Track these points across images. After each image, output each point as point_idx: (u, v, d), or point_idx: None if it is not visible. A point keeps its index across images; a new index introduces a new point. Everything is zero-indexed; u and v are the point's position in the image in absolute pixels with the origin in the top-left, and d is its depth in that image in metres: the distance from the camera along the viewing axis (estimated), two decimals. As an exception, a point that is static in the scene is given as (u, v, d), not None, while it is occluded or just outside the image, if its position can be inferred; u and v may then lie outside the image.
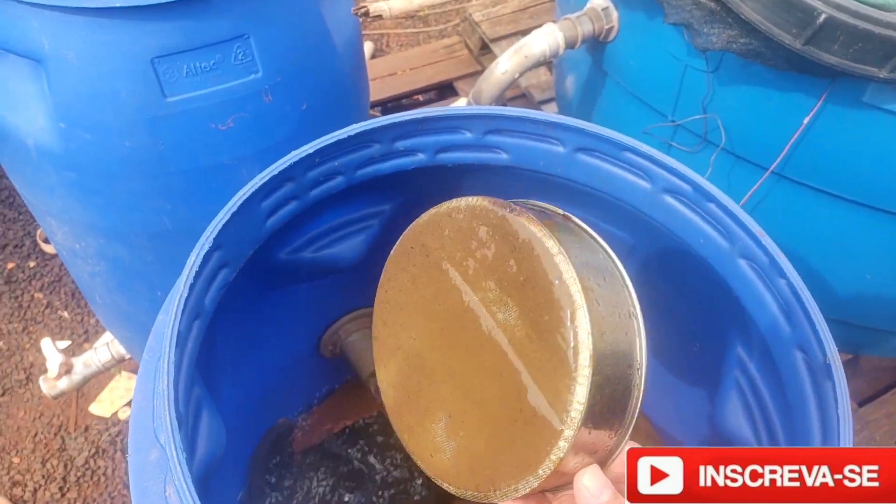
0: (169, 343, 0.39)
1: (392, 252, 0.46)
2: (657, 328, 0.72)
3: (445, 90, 1.91)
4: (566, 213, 0.43)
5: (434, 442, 0.41)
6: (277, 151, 0.84)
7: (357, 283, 0.72)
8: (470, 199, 0.41)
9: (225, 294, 0.48)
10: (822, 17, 0.74)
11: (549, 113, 0.53)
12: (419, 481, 0.85)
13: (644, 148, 0.52)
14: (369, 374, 0.80)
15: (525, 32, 1.84)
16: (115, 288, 0.97)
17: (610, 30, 1.09)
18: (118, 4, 0.67)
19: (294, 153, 0.49)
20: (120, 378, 1.54)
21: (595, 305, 0.36)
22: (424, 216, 0.44)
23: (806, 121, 0.91)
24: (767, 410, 0.53)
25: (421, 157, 0.56)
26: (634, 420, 0.39)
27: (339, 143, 0.49)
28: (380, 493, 0.86)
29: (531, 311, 0.37)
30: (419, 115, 0.52)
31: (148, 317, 1.03)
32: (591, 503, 0.37)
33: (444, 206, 0.43)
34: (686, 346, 0.67)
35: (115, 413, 1.49)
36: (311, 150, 0.48)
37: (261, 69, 0.77)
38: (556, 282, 0.36)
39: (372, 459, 0.88)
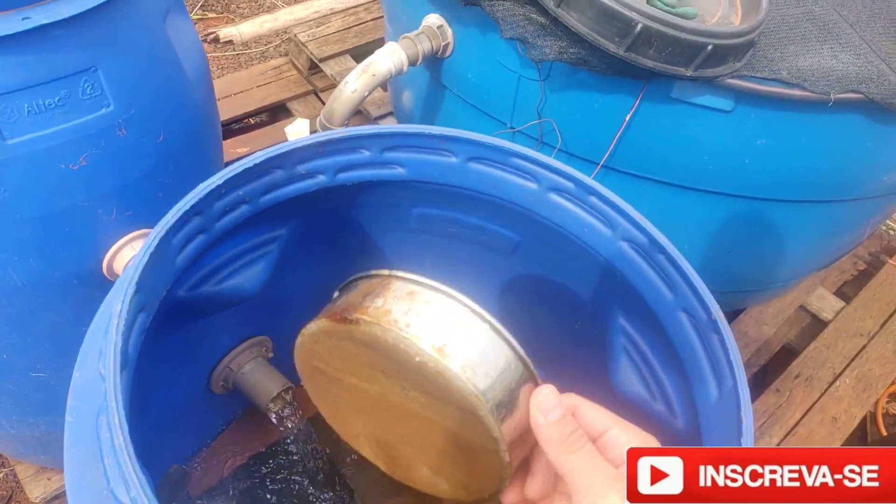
0: (115, 398, 0.37)
1: (300, 375, 0.54)
2: (543, 313, 0.79)
3: (278, 111, 1.89)
4: (391, 272, 0.47)
5: (431, 480, 0.52)
6: (137, 187, 0.80)
7: (251, 313, 0.71)
8: (313, 323, 0.47)
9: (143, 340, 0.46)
10: (639, 26, 0.85)
11: (443, 128, 0.56)
12: (331, 499, 0.84)
13: (530, 153, 0.57)
14: (269, 400, 0.79)
15: (352, 51, 1.87)
16: (-51, 357, 0.86)
17: (446, 46, 1.16)
18: (-56, 41, 0.60)
19: (202, 186, 0.48)
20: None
21: (429, 336, 0.42)
22: (296, 346, 0.50)
23: (627, 118, 1.03)
24: (654, 369, 0.61)
25: (321, 178, 0.57)
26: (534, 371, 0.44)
27: (245, 171, 0.49)
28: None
29: (418, 384, 0.44)
30: (321, 138, 0.53)
31: (-8, 385, 0.92)
32: (539, 420, 0.40)
33: (305, 334, 0.48)
34: (571, 324, 0.73)
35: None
36: (219, 182, 0.48)
37: (112, 102, 0.73)
38: (418, 356, 0.42)
39: (276, 490, 0.86)
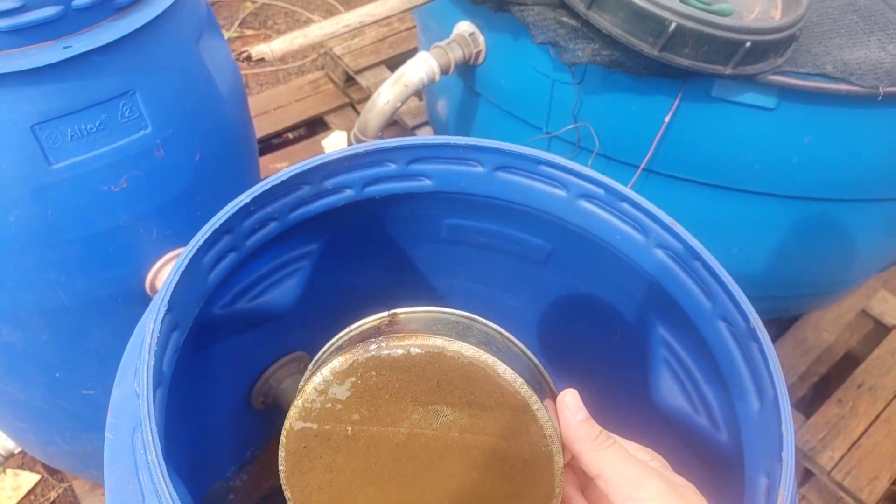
0: (148, 414, 0.37)
1: (283, 465, 0.45)
2: (580, 323, 0.77)
3: (316, 125, 1.91)
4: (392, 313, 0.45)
5: None
6: (176, 206, 0.82)
7: (287, 328, 0.72)
8: (332, 364, 0.42)
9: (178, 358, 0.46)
10: (673, 25, 0.83)
11: (467, 137, 0.56)
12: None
13: (558, 160, 0.56)
14: (306, 417, 0.79)
15: (387, 62, 1.89)
16: (5, 375, 0.89)
17: (478, 53, 1.15)
18: (-9, 72, 0.63)
19: (231, 204, 0.48)
20: (4, 477, 1.40)
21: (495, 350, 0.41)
22: (292, 416, 0.43)
23: (667, 119, 1.01)
24: (696, 381, 0.59)
25: (349, 192, 0.57)
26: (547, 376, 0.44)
27: (273, 188, 0.50)
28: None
29: (461, 397, 0.41)
30: (347, 153, 0.53)
31: (45, 402, 0.95)
32: (570, 419, 0.41)
33: (309, 388, 0.42)
34: (608, 335, 0.72)
35: (5, 516, 1.35)
36: (247, 200, 0.48)
37: (150, 124, 0.75)
38: (458, 356, 0.40)
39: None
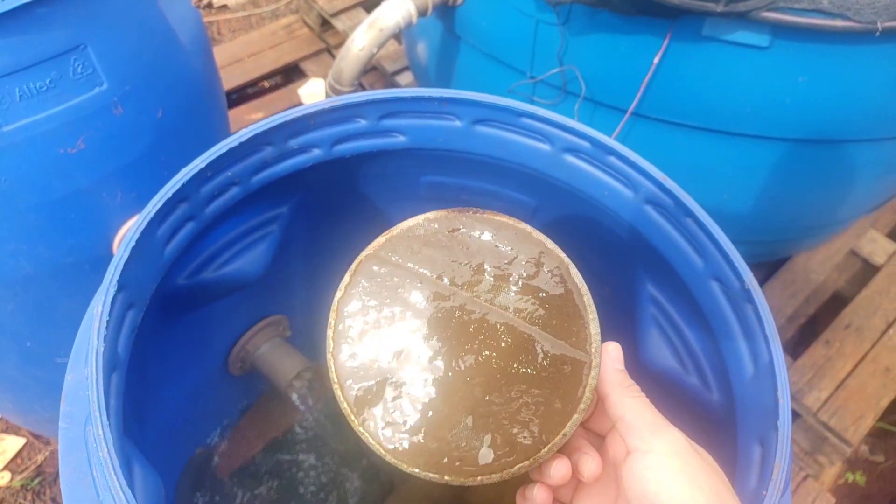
0: (98, 407, 0.34)
1: (341, 294, 0.44)
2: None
3: (292, 73, 1.84)
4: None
5: (461, 448, 0.42)
6: (139, 166, 0.77)
7: (262, 293, 0.69)
8: (426, 214, 0.45)
9: (136, 337, 0.43)
10: (662, -40, 0.78)
11: (443, 89, 0.52)
12: (356, 483, 0.83)
13: (541, 112, 0.52)
14: (287, 382, 0.77)
15: (364, 3, 1.80)
16: (-26, 347, 0.86)
17: (457, -7, 1.09)
18: (-79, 28, 0.57)
19: (184, 170, 0.44)
20: (-19, 443, 1.38)
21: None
22: (377, 243, 0.45)
23: (656, 60, 0.96)
24: (687, 340, 0.56)
25: (317, 152, 0.53)
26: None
27: (230, 151, 0.46)
28: (319, 497, 0.83)
29: (528, 282, 0.43)
30: (311, 110, 0.49)
31: (18, 371, 0.92)
32: (609, 363, 0.43)
33: (397, 229, 0.45)
34: (597, 292, 0.69)
35: (-14, 482, 1.34)
36: (202, 165, 0.44)
37: (105, 80, 0.70)
38: (543, 252, 0.43)
39: (302, 470, 0.85)
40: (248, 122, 1.65)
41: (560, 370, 0.41)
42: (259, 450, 0.85)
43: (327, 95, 1.13)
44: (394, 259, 0.44)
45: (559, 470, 0.42)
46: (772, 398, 0.41)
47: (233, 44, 1.82)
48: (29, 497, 1.34)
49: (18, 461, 1.38)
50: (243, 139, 0.46)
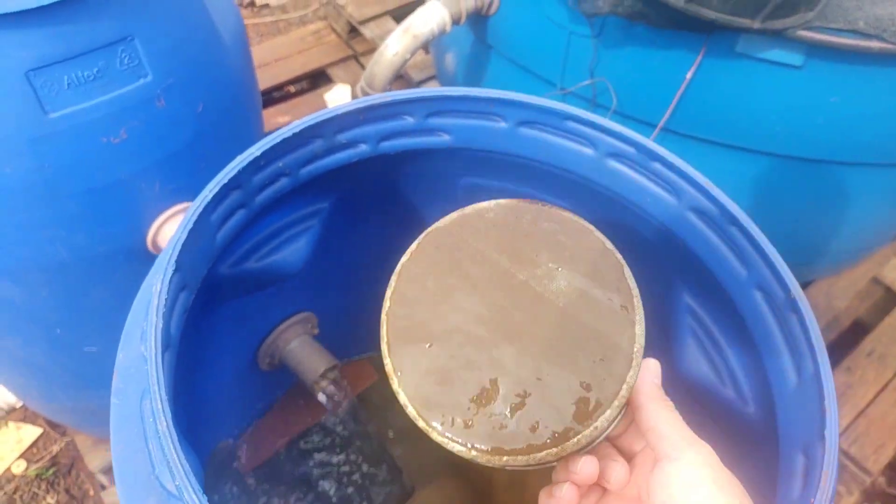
0: (157, 381, 0.35)
1: (406, 259, 0.47)
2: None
3: (318, 78, 1.86)
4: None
5: (494, 423, 0.42)
6: (178, 158, 0.78)
7: (296, 288, 0.69)
8: (499, 200, 0.47)
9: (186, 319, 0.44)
10: (702, -25, 0.78)
11: (490, 90, 0.52)
12: (377, 485, 0.83)
13: (587, 115, 0.53)
14: (315, 379, 0.77)
15: (393, 12, 1.82)
16: (5, 332, 0.87)
17: (491, 3, 1.10)
18: (-19, 14, 0.59)
19: (239, 158, 0.45)
20: (6, 430, 1.39)
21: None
22: (450, 218, 0.48)
23: (688, 75, 0.97)
24: (723, 351, 0.56)
25: (363, 147, 0.53)
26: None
27: (284, 141, 0.46)
28: (340, 497, 0.83)
29: (586, 275, 0.45)
30: (362, 104, 0.50)
31: (46, 358, 0.93)
32: (647, 377, 0.44)
33: (469, 209, 0.48)
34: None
35: (9, 468, 1.35)
36: (257, 153, 0.45)
37: (150, 72, 0.71)
38: (603, 250, 0.46)
39: (323, 469, 0.86)
40: (275, 125, 1.67)
41: (601, 364, 0.42)
42: (282, 446, 0.85)
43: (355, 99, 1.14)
44: (461, 234, 0.47)
45: (587, 467, 0.42)
46: (817, 407, 0.41)
47: (260, 48, 1.84)
48: (43, 486, 1.35)
49: (34, 450, 1.39)
50: (296, 130, 0.47)
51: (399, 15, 1.83)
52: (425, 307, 0.45)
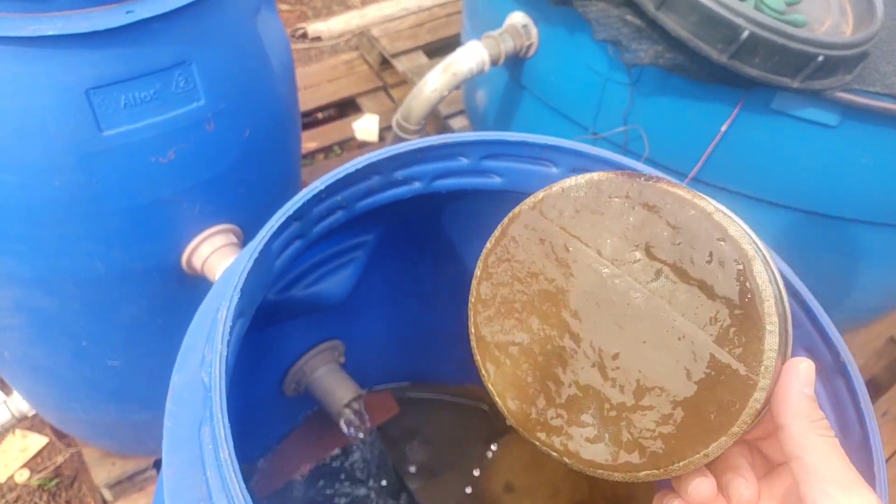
0: (220, 409, 0.35)
1: (490, 246, 0.43)
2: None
3: (347, 106, 1.89)
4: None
5: (586, 433, 0.38)
6: (221, 182, 0.80)
7: (329, 316, 0.70)
8: (590, 174, 0.39)
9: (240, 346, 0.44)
10: (746, 33, 0.80)
11: (546, 136, 0.53)
12: (395, 508, 0.83)
13: (638, 166, 0.53)
14: (339, 408, 0.77)
15: (425, 47, 1.86)
16: (32, 341, 0.87)
17: (530, 46, 1.12)
18: (50, 32, 0.60)
19: (305, 191, 0.46)
20: (13, 437, 1.39)
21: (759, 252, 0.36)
22: (530, 201, 0.42)
23: (723, 128, 0.98)
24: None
25: (417, 185, 0.54)
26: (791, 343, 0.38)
27: (346, 176, 0.47)
28: (354, 529, 0.83)
29: (695, 272, 0.36)
30: (422, 144, 0.51)
31: (69, 369, 0.93)
32: (794, 385, 0.35)
33: (556, 187, 0.40)
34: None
35: (11, 476, 1.34)
36: (321, 187, 0.46)
37: (203, 96, 0.73)
38: (723, 239, 0.36)
39: (342, 497, 0.85)
40: (303, 149, 1.69)
41: (717, 382, 0.35)
42: (300, 473, 0.84)
43: (391, 132, 1.16)
44: (550, 217, 0.40)
45: (699, 489, 0.36)
46: (867, 474, 0.41)
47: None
48: (45, 497, 1.34)
49: (38, 460, 1.38)
50: (359, 166, 0.48)
51: (430, 50, 1.86)
52: (511, 306, 0.41)
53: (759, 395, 0.34)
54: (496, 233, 0.43)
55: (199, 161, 0.76)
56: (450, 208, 0.62)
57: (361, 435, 0.80)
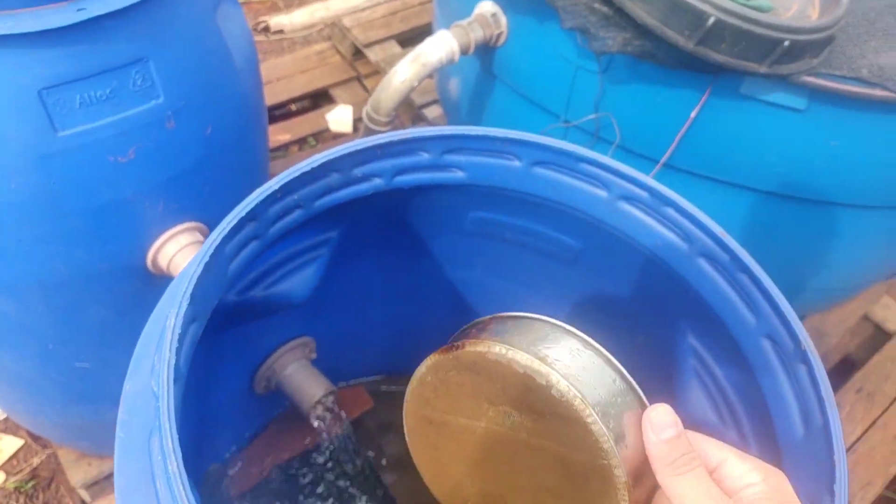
0: (168, 420, 0.34)
1: (406, 433, 0.52)
2: (598, 323, 0.75)
3: (320, 98, 1.86)
4: (495, 315, 0.47)
5: None
6: (184, 180, 0.78)
7: (297, 314, 0.69)
8: (422, 364, 0.47)
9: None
10: (712, 19, 0.80)
11: (507, 130, 0.53)
12: (369, 500, 0.83)
13: (601, 158, 0.53)
14: (311, 405, 0.77)
15: (398, 36, 1.84)
16: (-3, 346, 0.86)
17: (500, 35, 1.11)
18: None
19: (258, 191, 0.45)
20: (-17, 442, 1.37)
21: (567, 370, 0.41)
22: (406, 396, 0.50)
23: (693, 114, 0.98)
24: (727, 394, 0.57)
25: (378, 181, 0.54)
26: (641, 393, 0.43)
27: (302, 175, 0.46)
28: (330, 526, 0.83)
29: (526, 404, 0.43)
30: (380, 141, 0.50)
31: (37, 374, 0.92)
32: (651, 437, 0.39)
33: (414, 380, 0.48)
34: (629, 338, 0.69)
35: (-17, 481, 1.33)
36: (276, 187, 0.45)
37: (162, 94, 0.71)
38: (523, 371, 0.41)
39: (315, 494, 0.85)
40: (276, 142, 1.67)
41: (589, 477, 0.41)
42: (273, 470, 0.84)
43: (362, 123, 1.15)
44: (423, 405, 0.49)
45: None
46: (826, 461, 0.41)
47: (264, 66, 1.84)
48: (21, 500, 1.32)
49: (14, 462, 1.36)
50: (315, 165, 0.47)
51: (403, 39, 1.85)
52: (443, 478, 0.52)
53: (618, 472, 0.40)
54: (404, 423, 0.51)
55: (161, 159, 0.74)
56: (414, 203, 0.61)
57: (334, 431, 0.80)
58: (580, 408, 0.40)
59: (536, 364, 0.41)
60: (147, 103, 0.70)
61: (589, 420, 0.39)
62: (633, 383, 0.42)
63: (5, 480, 1.33)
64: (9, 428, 1.40)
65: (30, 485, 1.33)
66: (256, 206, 0.44)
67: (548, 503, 0.46)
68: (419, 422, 0.51)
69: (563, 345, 0.43)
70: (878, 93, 0.88)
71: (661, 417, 0.39)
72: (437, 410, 0.48)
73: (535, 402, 0.42)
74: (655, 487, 0.43)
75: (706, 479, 0.37)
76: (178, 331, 0.37)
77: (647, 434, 0.39)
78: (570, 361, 0.41)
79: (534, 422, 0.43)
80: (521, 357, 0.41)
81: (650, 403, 0.42)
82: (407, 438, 0.52)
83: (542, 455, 0.44)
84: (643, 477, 0.41)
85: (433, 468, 0.53)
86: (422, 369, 0.47)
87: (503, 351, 0.42)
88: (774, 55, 0.83)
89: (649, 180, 0.52)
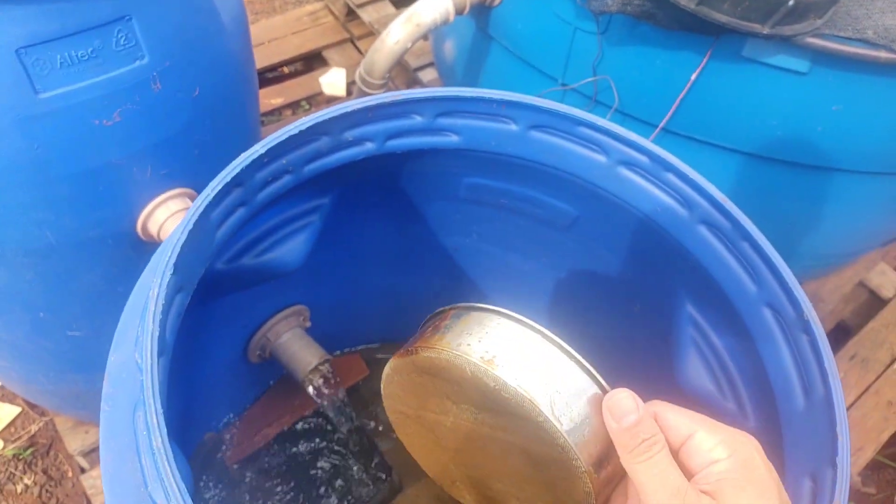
0: (152, 395, 0.33)
1: (391, 423, 0.55)
2: (597, 292, 0.74)
3: (313, 60, 1.83)
4: (452, 306, 0.47)
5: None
6: (172, 143, 0.76)
7: (290, 282, 0.68)
8: (386, 367, 0.49)
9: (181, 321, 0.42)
10: (715, -22, 0.77)
11: (503, 91, 0.51)
12: (365, 479, 0.82)
13: (601, 122, 0.51)
14: (305, 373, 0.76)
15: (392, -4, 1.79)
16: (-14, 315, 0.84)
17: (496, -6, 1.08)
18: (-30, -12, 0.56)
19: (243, 156, 0.43)
20: (-23, 410, 1.37)
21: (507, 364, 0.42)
22: (381, 392, 0.52)
23: (693, 77, 0.96)
24: (725, 364, 0.56)
25: (370, 146, 0.52)
26: (600, 379, 0.42)
27: (290, 139, 0.45)
28: (327, 492, 0.83)
29: (489, 404, 0.43)
30: (371, 103, 0.48)
31: (28, 341, 0.91)
32: (611, 425, 0.38)
33: (383, 379, 0.50)
34: (628, 307, 0.69)
35: (-20, 450, 1.33)
36: (261, 151, 0.43)
37: (147, 54, 0.69)
38: (477, 373, 0.42)
39: (311, 462, 0.85)
40: (269, 106, 1.64)
41: (552, 465, 0.42)
42: (269, 438, 0.84)
43: (356, 86, 1.12)
44: (397, 403, 0.51)
45: None
46: (828, 433, 0.41)
47: (256, 27, 1.80)
48: (20, 467, 1.32)
49: (12, 430, 1.36)
50: (303, 128, 0.45)
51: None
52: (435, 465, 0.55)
53: (577, 463, 0.40)
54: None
55: (147, 123, 0.72)
56: (408, 168, 0.59)
57: (330, 399, 0.79)
58: (530, 408, 0.40)
59: (483, 368, 0.41)
60: (131, 64, 0.68)
61: (540, 419, 0.40)
62: (592, 370, 0.42)
63: (3, 447, 1.34)
64: (6, 396, 1.39)
65: (28, 452, 1.34)
66: (242, 171, 0.42)
67: (523, 487, 0.47)
68: (398, 416, 0.52)
69: (516, 341, 0.42)
70: (884, 55, 0.86)
71: (620, 404, 0.38)
72: (410, 407, 0.50)
73: (490, 402, 0.42)
74: None
75: (665, 466, 0.36)
76: (161, 301, 0.36)
77: (607, 421, 0.39)
78: (520, 360, 0.41)
79: (493, 418, 0.44)
80: (468, 363, 0.42)
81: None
82: (393, 427, 0.54)
83: (508, 446, 0.45)
84: (611, 458, 0.41)
85: (421, 453, 0.55)
86: (387, 370, 0.48)
87: (451, 357, 0.42)
88: (778, 15, 0.81)
89: (649, 144, 0.51)
